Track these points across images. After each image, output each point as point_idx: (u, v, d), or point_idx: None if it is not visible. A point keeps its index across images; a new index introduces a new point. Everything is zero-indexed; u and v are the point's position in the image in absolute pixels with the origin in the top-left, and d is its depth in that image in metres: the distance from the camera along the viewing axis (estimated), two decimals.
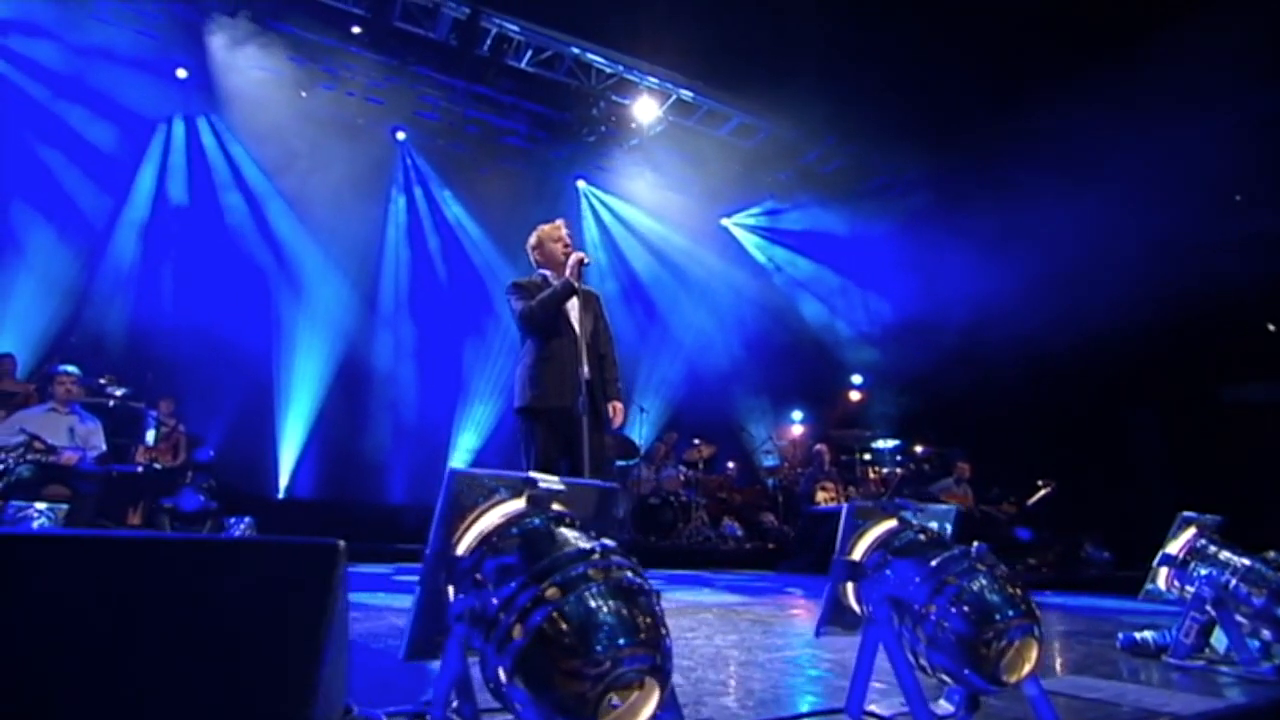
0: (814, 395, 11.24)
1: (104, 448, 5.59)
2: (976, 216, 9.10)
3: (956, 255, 9.42)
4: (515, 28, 8.37)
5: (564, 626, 0.92)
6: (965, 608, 1.22)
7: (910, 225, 10.36)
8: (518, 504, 1.13)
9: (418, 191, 9.81)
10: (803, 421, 11.19)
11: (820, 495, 7.50)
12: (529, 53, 8.73)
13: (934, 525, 1.49)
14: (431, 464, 9.28)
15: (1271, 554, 2.05)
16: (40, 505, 4.18)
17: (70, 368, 5.71)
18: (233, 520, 6.06)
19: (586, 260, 3.76)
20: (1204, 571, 2.08)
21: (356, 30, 8.14)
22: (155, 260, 7.90)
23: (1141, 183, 7.71)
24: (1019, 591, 1.26)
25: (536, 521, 1.10)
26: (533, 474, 1.17)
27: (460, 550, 1.09)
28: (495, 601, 0.97)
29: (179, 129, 8.20)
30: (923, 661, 1.26)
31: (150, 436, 6.41)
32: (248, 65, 7.91)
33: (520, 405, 3.72)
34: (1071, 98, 7.70)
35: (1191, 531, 2.19)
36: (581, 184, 10.93)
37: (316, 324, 8.59)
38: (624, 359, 11.07)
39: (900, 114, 8.91)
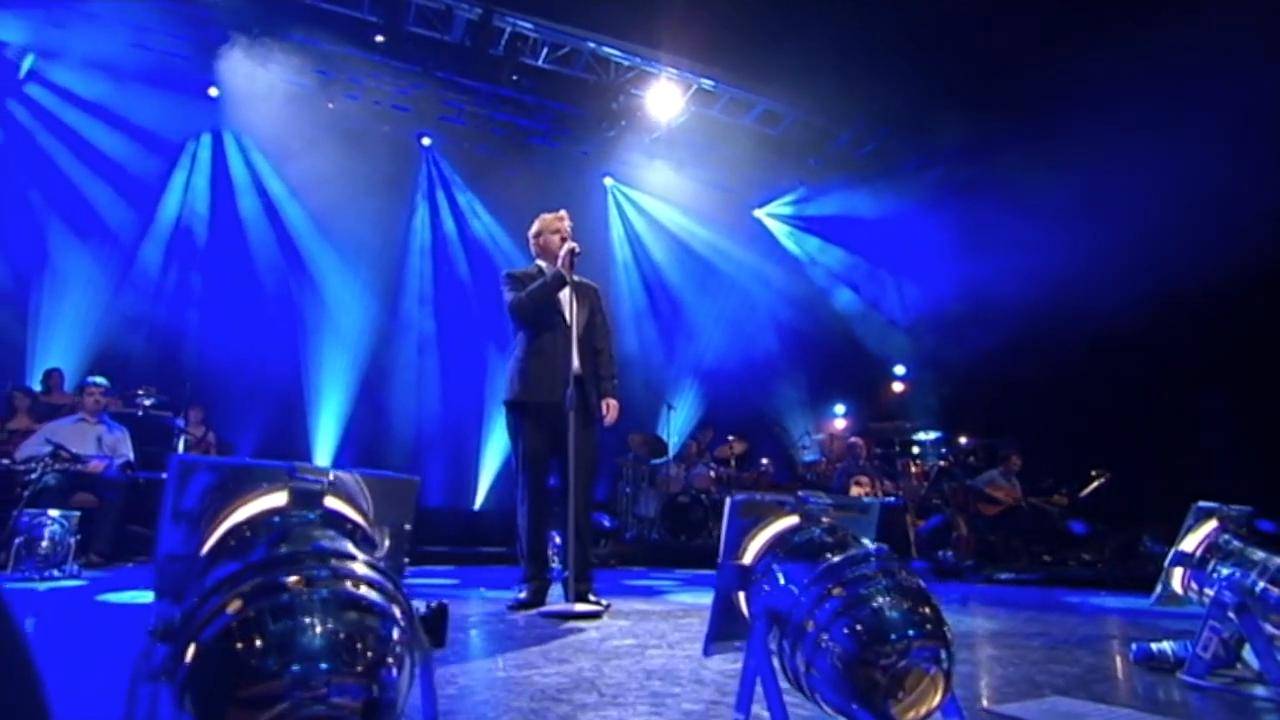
0: (856, 388, 10.84)
1: (131, 456, 5.73)
2: (1025, 190, 8.57)
3: (1003, 233, 8.91)
4: (529, 25, 8.30)
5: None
6: (854, 624, 1.00)
7: (952, 205, 9.86)
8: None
9: (440, 196, 9.85)
10: (845, 415, 10.81)
11: (855, 490, 7.16)
12: (545, 50, 8.64)
13: (854, 521, 1.27)
14: (462, 468, 9.31)
15: None
16: (54, 513, 4.29)
17: (99, 379, 5.89)
18: None
19: (578, 251, 3.64)
20: (1225, 572, 1.77)
21: (380, 39, 8.22)
22: (187, 275, 8.13)
23: (1217, 135, 7.02)
24: (928, 608, 1.03)
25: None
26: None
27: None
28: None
29: (206, 146, 8.41)
30: (805, 687, 1.05)
31: (180, 444, 6.56)
32: (274, 80, 8.06)
33: (507, 399, 3.64)
34: (1132, 39, 6.93)
35: (1212, 525, 1.88)
36: (609, 180, 10.80)
37: (343, 331, 8.70)
38: (652, 356, 10.94)
39: (933, 86, 8.45)
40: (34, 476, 5.03)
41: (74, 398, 6.72)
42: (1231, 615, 1.71)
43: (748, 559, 1.20)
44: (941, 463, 7.88)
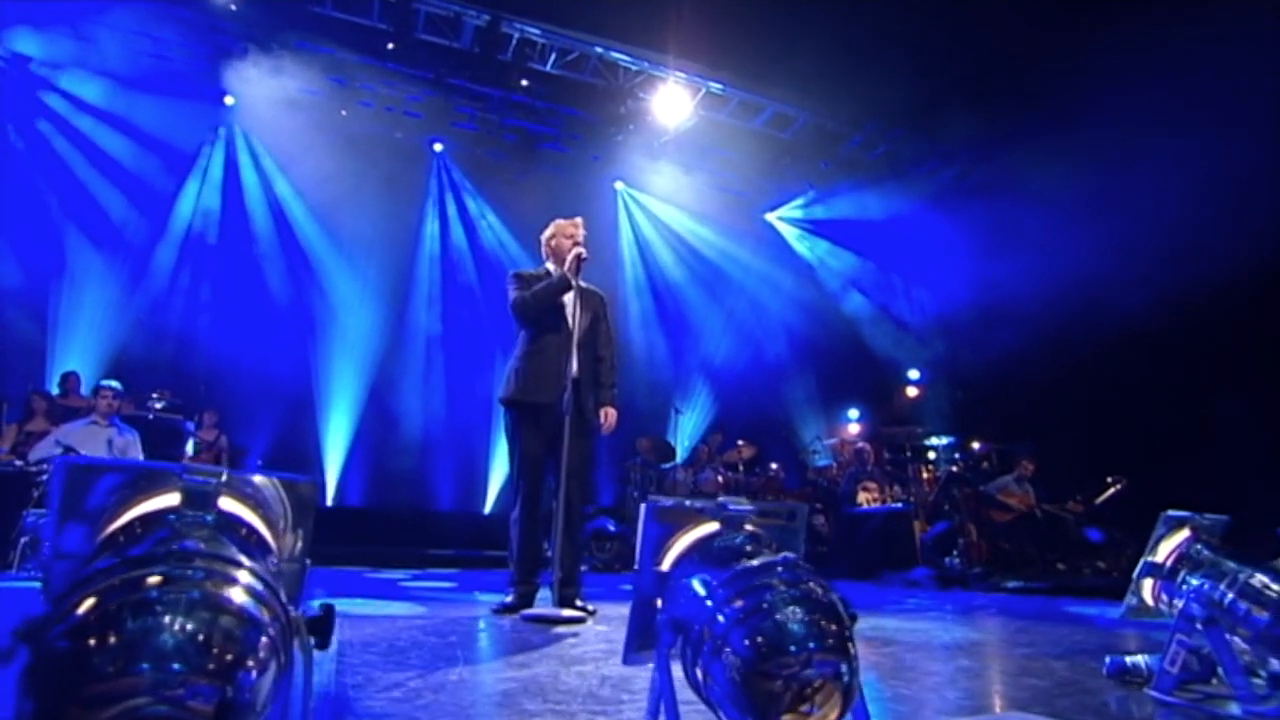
0: (870, 392, 10.72)
1: (141, 458, 5.84)
2: (1041, 189, 8.42)
3: (1019, 234, 8.76)
4: (536, 31, 8.35)
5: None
6: (752, 634, 0.97)
7: (966, 206, 9.71)
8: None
9: (450, 201, 9.92)
10: (859, 420, 10.69)
11: (862, 496, 7.07)
12: (554, 55, 8.69)
13: (782, 528, 1.24)
14: (472, 473, 9.36)
15: None
16: None
17: (112, 383, 6.00)
18: None
19: (585, 256, 3.64)
20: (1195, 583, 1.71)
21: (391, 46, 8.31)
22: (201, 281, 8.28)
23: (1240, 127, 6.78)
24: (833, 621, 1.00)
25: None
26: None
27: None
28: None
29: (220, 154, 8.57)
30: (706, 699, 1.02)
31: (190, 447, 6.67)
32: (287, 88, 8.19)
33: (502, 396, 3.65)
34: (1149, 29, 6.64)
35: (1184, 534, 1.81)
36: (619, 185, 10.81)
37: (354, 336, 8.80)
38: (661, 360, 10.90)
39: (946, 84, 8.34)
40: (45, 478, 5.14)
41: (90, 400, 6.87)
42: (1199, 628, 1.64)
43: (666, 565, 1.18)
44: (953, 468, 7.75)
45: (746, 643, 0.97)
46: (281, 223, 8.79)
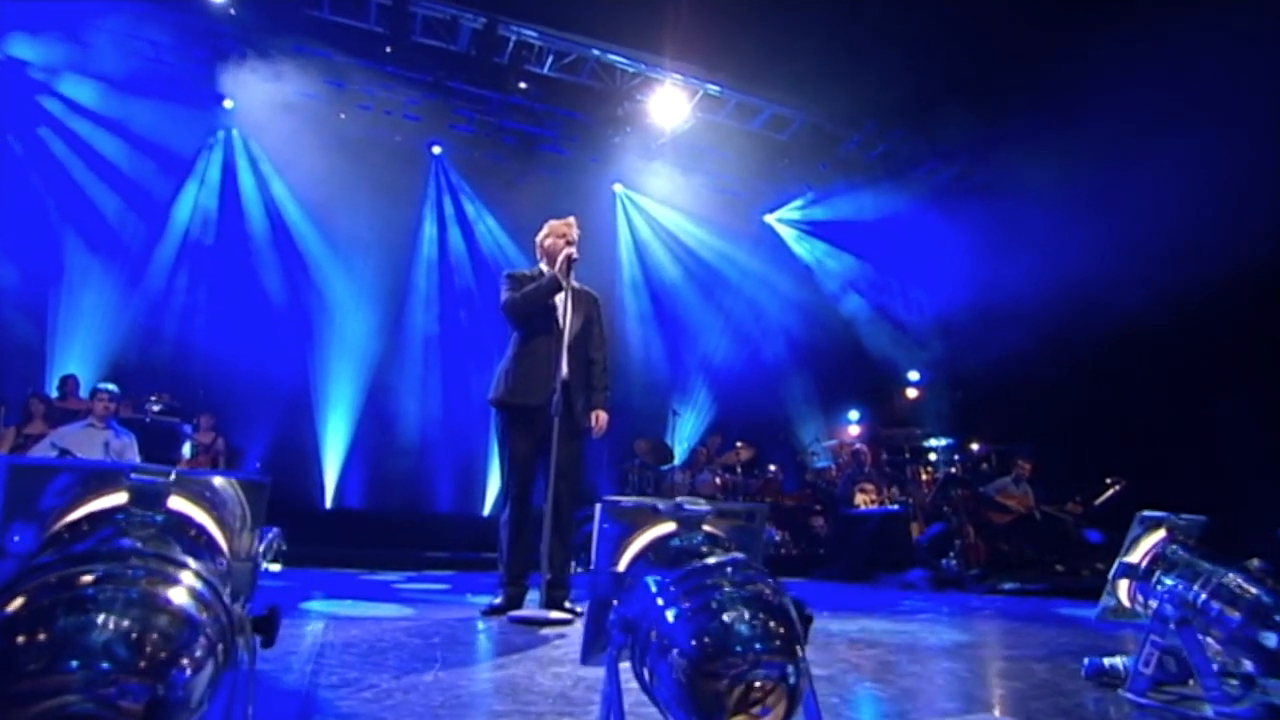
0: (870, 393, 10.69)
1: (137, 461, 5.85)
2: (1041, 189, 8.39)
3: (1019, 235, 8.73)
4: (533, 33, 8.36)
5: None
6: (699, 635, 0.97)
7: (966, 207, 9.69)
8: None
9: (449, 204, 9.95)
10: (860, 421, 10.66)
11: (859, 498, 7.05)
12: (550, 58, 8.70)
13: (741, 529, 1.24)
14: (470, 475, 9.36)
15: (1255, 562, 1.65)
16: None
17: (109, 385, 6.02)
18: (262, 530, 6.21)
19: (575, 258, 3.64)
20: (1169, 583, 1.69)
21: (389, 49, 8.34)
22: (199, 284, 8.31)
23: (1242, 126, 6.72)
24: (781, 622, 0.99)
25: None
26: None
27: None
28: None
29: (218, 158, 8.61)
30: (654, 700, 1.02)
31: (186, 450, 6.69)
32: (286, 92, 8.21)
33: (492, 397, 3.65)
34: (1149, 27, 6.56)
35: (1159, 535, 1.80)
36: (618, 187, 10.82)
37: (352, 338, 8.82)
38: (660, 363, 10.87)
39: (944, 84, 8.31)
40: None
41: (89, 403, 6.90)
42: (1173, 629, 1.63)
43: (622, 566, 1.18)
44: (951, 469, 7.73)
45: (693, 643, 0.97)
46: (279, 226, 8.81)
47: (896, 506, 6.94)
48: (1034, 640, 2.82)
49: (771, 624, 0.99)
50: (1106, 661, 1.90)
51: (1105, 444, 7.94)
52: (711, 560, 1.06)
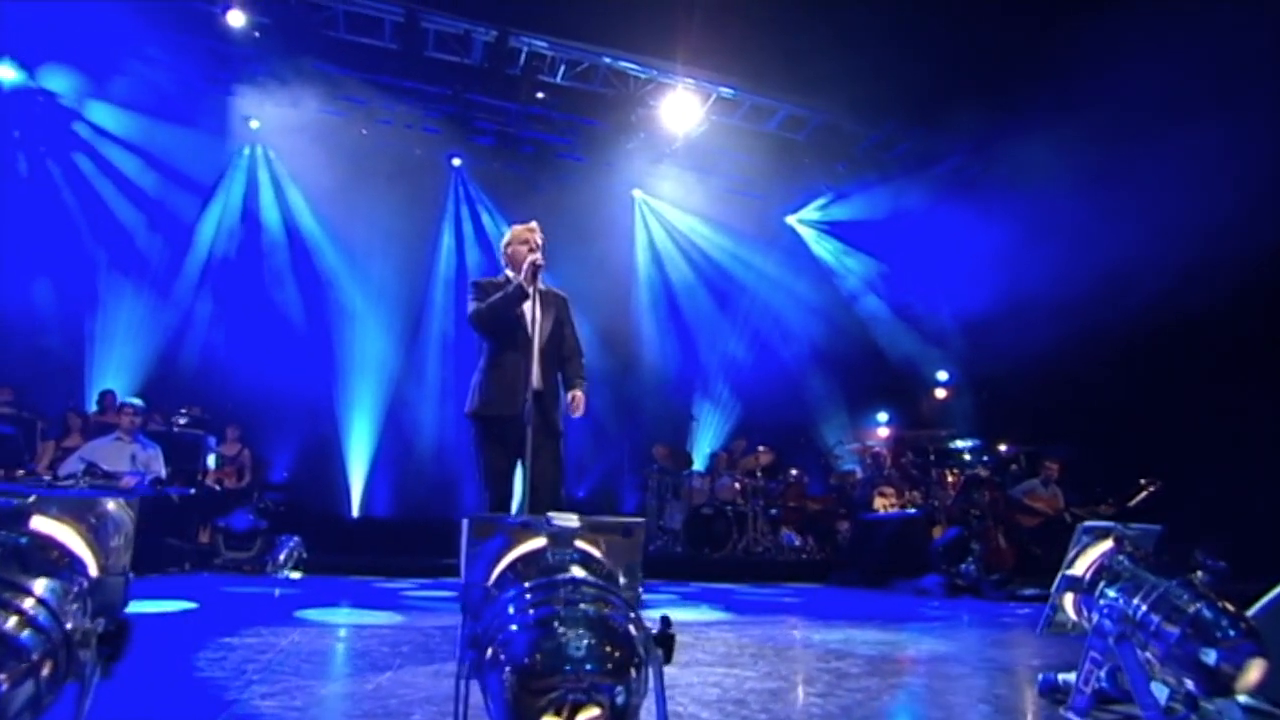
0: (898, 395, 10.48)
1: (162, 472, 6.07)
2: (1067, 185, 8.14)
3: (1047, 230, 8.47)
4: (544, 43, 8.43)
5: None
6: (531, 650, 0.96)
7: (991, 203, 9.42)
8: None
9: (465, 214, 10.10)
10: (888, 424, 10.46)
11: (878, 501, 6.91)
12: (563, 67, 8.77)
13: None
14: None
15: (1198, 575, 1.56)
16: None
17: (135, 400, 6.28)
18: (282, 538, 6.39)
19: (540, 264, 3.63)
20: (1111, 595, 1.62)
21: (405, 65, 8.51)
22: (226, 300, 8.60)
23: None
24: (620, 645, 0.98)
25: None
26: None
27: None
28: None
29: (242, 176, 8.90)
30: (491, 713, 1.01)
31: (211, 460, 6.91)
32: (307, 112, 8.45)
33: (466, 411, 3.64)
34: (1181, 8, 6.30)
35: (1106, 545, 1.72)
36: (637, 193, 10.83)
37: (374, 349, 9.01)
38: (679, 368, 10.77)
39: (964, 78, 8.11)
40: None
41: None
42: (1112, 643, 1.56)
43: (492, 580, 1.18)
44: (976, 471, 7.51)
45: (525, 660, 0.96)
46: (301, 242, 9.06)
47: (915, 510, 6.78)
48: (1018, 652, 2.72)
49: (606, 645, 0.98)
50: (1060, 677, 1.82)
51: (1140, 443, 7.63)
52: (561, 576, 1.05)
